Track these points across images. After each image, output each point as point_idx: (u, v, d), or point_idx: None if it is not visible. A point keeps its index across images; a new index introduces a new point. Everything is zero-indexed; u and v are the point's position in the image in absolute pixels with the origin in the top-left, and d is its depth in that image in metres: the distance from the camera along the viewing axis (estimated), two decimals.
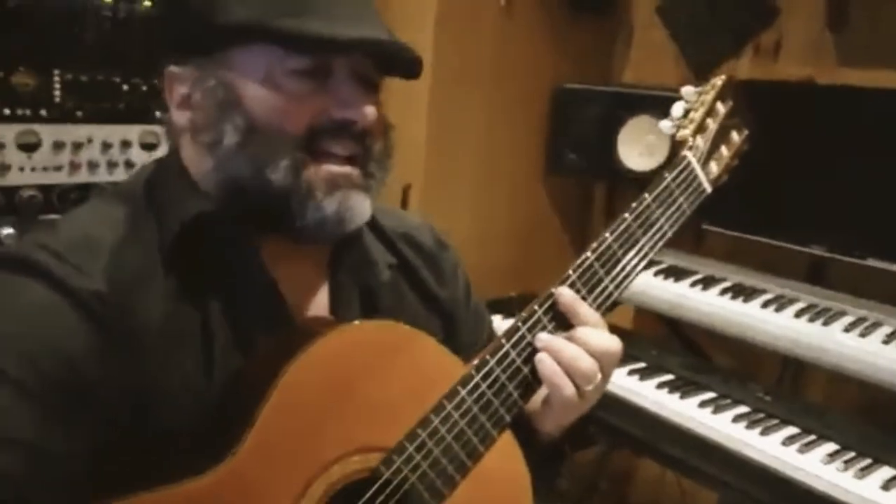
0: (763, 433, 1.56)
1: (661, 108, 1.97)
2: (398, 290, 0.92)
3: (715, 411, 1.64)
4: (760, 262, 1.92)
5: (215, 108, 0.75)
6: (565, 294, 0.81)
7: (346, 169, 0.77)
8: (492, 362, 0.78)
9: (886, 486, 1.39)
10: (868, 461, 1.47)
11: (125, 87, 1.37)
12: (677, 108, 1.00)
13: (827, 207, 1.79)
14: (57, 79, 1.29)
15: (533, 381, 0.80)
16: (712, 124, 0.98)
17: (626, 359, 1.87)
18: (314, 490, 0.70)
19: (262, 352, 0.76)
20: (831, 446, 1.52)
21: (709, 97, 0.99)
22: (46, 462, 0.63)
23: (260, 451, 0.67)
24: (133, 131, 1.42)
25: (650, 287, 1.94)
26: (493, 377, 0.78)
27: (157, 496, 0.64)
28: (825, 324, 1.68)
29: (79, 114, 1.35)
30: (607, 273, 0.85)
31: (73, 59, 1.31)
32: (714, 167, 0.97)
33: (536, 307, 0.81)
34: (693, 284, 1.92)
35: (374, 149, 0.79)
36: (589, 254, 0.85)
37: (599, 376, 0.80)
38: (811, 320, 1.70)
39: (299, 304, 0.83)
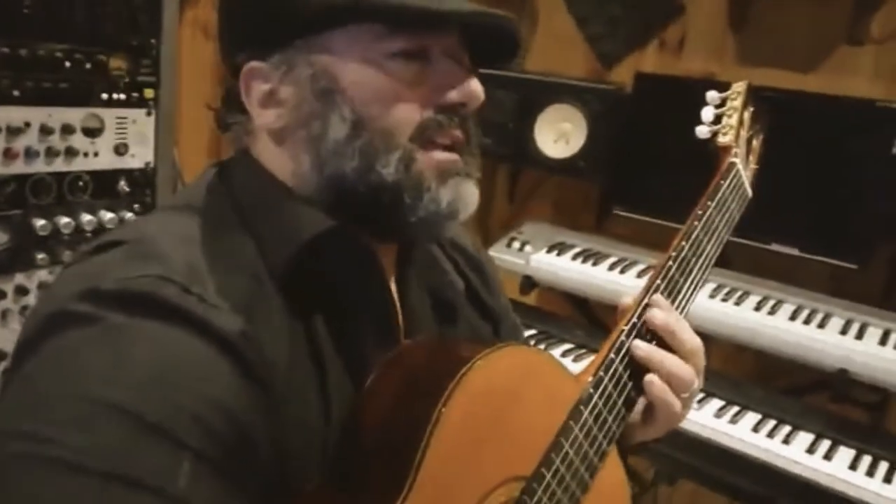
0: (696, 406, 1.70)
1: (577, 96, 2.07)
2: (465, 305, 0.89)
3: None
4: (666, 247, 2.06)
5: (314, 100, 0.68)
6: (658, 306, 0.82)
7: (453, 156, 0.71)
8: (605, 378, 0.78)
9: (811, 449, 1.57)
10: (787, 428, 1.65)
11: (67, 63, 1.18)
12: (707, 113, 1.04)
13: None
14: None
15: (636, 393, 0.81)
16: (743, 132, 1.04)
17: (560, 341, 1.97)
18: None
19: (389, 377, 0.70)
20: (754, 416, 1.69)
21: (737, 103, 1.04)
22: None
23: (428, 495, 0.63)
24: (75, 115, 1.23)
25: (566, 270, 2.02)
26: (606, 393, 0.78)
27: None
28: (736, 303, 1.85)
29: (16, 94, 1.15)
30: (685, 280, 0.88)
31: (9, 30, 1.11)
32: (748, 174, 1.03)
33: (635, 319, 0.82)
34: (611, 268, 2.02)
35: (473, 133, 0.74)
36: (671, 263, 0.87)
37: (696, 382, 0.82)
38: (724, 300, 1.86)
39: None
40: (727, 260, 2.03)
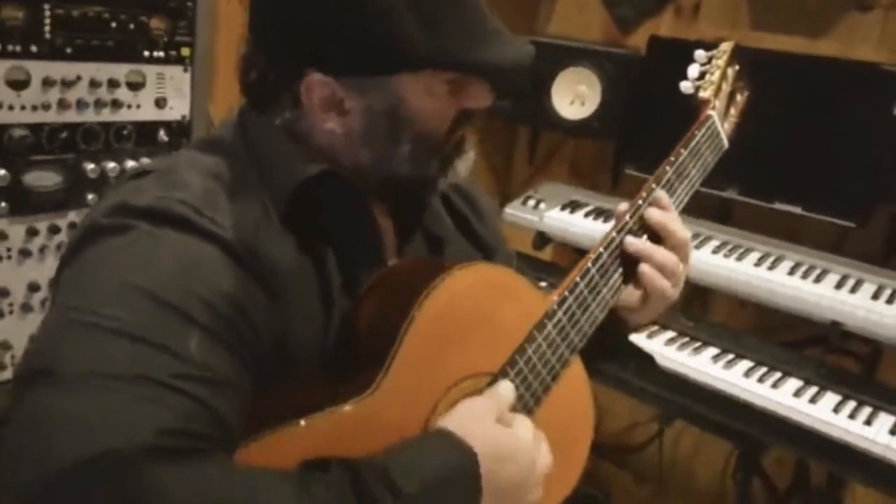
0: (692, 353, 1.80)
1: (592, 60, 2.15)
2: (455, 234, 1.01)
3: (649, 336, 1.86)
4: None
5: (384, 122, 0.81)
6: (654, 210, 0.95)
7: (469, 152, 0.88)
8: (570, 298, 0.90)
9: (797, 394, 1.67)
10: (778, 374, 1.74)
11: (113, 24, 1.33)
12: (693, 70, 1.13)
13: (739, 156, 2.01)
14: (47, 13, 1.23)
15: (623, 281, 0.93)
16: (725, 87, 1.12)
17: None
18: (440, 409, 0.79)
19: (378, 291, 0.83)
20: (747, 363, 1.79)
21: (721, 61, 1.13)
22: (239, 399, 0.68)
23: (402, 378, 0.76)
24: (120, 70, 1.38)
25: (576, 227, 2.12)
26: (570, 311, 0.89)
27: (318, 421, 0.71)
28: (738, 259, 1.93)
29: (68, 51, 1.29)
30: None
31: None
32: (727, 126, 1.12)
33: (628, 218, 0.94)
34: None
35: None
36: (640, 202, 0.97)
37: (681, 266, 0.94)
38: (726, 256, 1.95)
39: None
40: (732, 217, 2.12)
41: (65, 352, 0.63)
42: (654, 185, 0.98)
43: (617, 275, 0.93)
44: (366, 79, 0.79)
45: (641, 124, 2.16)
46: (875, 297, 1.76)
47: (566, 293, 0.90)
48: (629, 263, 0.93)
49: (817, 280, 1.83)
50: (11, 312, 1.38)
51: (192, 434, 0.61)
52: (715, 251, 1.96)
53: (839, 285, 1.80)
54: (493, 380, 0.83)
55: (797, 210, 1.92)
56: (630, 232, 0.94)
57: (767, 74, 1.96)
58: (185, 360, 0.64)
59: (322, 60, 0.78)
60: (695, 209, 2.09)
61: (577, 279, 0.90)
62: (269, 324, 0.75)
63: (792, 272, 1.86)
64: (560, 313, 0.89)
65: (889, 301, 1.74)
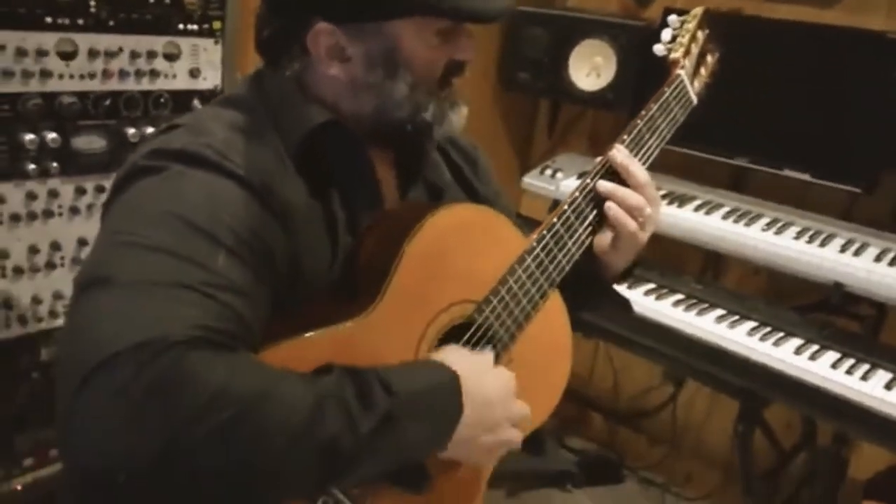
0: (699, 314, 1.88)
1: (608, 32, 2.22)
2: (453, 184, 1.12)
3: (658, 298, 1.95)
4: (689, 172, 2.21)
5: (382, 65, 0.90)
6: (617, 153, 1.04)
7: (457, 89, 0.96)
8: (548, 236, 0.99)
9: (798, 351, 1.74)
10: (781, 334, 1.81)
11: None
12: (666, 34, 1.22)
13: (750, 124, 2.08)
14: None
15: (597, 223, 1.02)
16: (695, 49, 1.21)
17: None
18: (430, 331, 0.90)
19: (376, 230, 0.94)
20: (752, 323, 1.86)
21: (691, 25, 1.21)
22: (258, 309, 0.79)
23: (396, 302, 0.86)
24: (158, 42, 1.51)
25: None
26: (548, 247, 0.99)
27: (322, 334, 0.83)
28: (747, 224, 2.00)
29: (111, 24, 1.43)
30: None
31: None
32: (697, 84, 1.20)
33: (599, 165, 1.03)
34: None
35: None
36: (597, 166, 1.06)
37: (648, 210, 1.03)
38: (735, 221, 2.02)
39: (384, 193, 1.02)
40: (746, 186, 2.18)
41: (114, 265, 0.74)
42: (625, 137, 1.07)
43: (591, 216, 1.02)
44: (365, 26, 0.88)
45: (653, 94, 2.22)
46: (878, 259, 1.81)
47: (545, 232, 0.99)
48: (601, 205, 1.03)
49: (822, 244, 1.88)
50: (63, 265, 1.52)
51: (222, 331, 0.72)
52: (725, 217, 2.03)
53: (843, 249, 1.86)
54: (478, 306, 0.94)
55: (806, 177, 1.97)
56: (600, 175, 1.03)
57: (777, 44, 2.02)
58: (214, 272, 0.75)
59: (325, 9, 0.88)
60: (708, 177, 2.18)
61: (555, 220, 1.00)
62: (284, 252, 0.86)
63: (798, 237, 1.92)
64: (538, 249, 0.99)
65: (891, 264, 1.79)
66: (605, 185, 1.03)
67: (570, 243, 1.01)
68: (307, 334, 0.83)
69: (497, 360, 0.96)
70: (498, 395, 0.89)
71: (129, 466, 0.65)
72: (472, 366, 0.87)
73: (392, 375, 0.79)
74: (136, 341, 0.66)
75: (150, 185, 0.82)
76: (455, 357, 0.87)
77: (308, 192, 0.91)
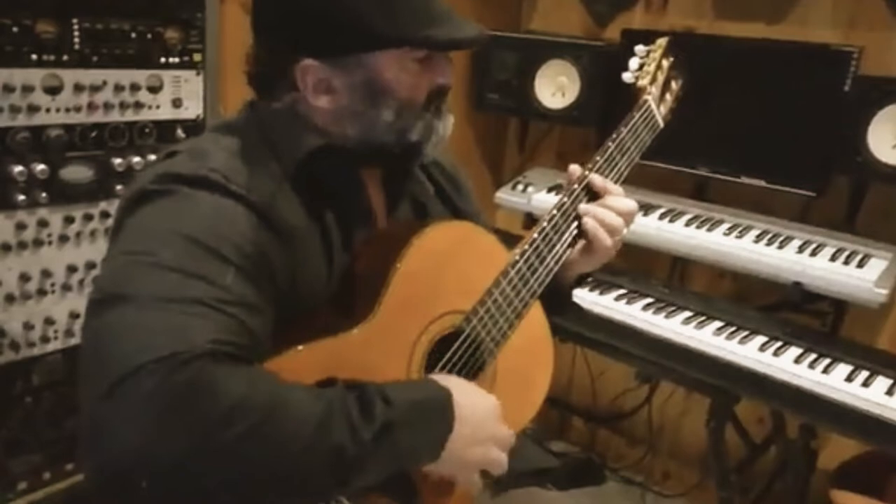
0: (667, 317, 1.97)
1: (570, 53, 2.32)
2: (435, 200, 1.18)
3: (628, 302, 2.03)
4: (654, 183, 2.31)
5: (365, 95, 0.96)
6: (596, 177, 1.12)
7: (447, 115, 1.03)
8: (530, 250, 1.07)
9: (762, 348, 1.83)
10: (746, 332, 1.90)
11: (133, 34, 1.51)
12: (633, 63, 1.31)
13: (708, 136, 2.18)
14: (76, 27, 1.42)
15: (575, 239, 1.10)
16: (661, 76, 1.30)
17: None
18: (422, 340, 0.97)
19: (369, 248, 1.00)
20: (718, 323, 1.95)
21: (657, 54, 1.30)
22: (267, 324, 0.85)
23: (389, 315, 0.93)
24: (141, 75, 1.57)
25: None
26: (530, 262, 1.06)
27: (317, 346, 0.88)
28: (709, 230, 2.10)
29: (95, 59, 1.48)
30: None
31: (89, 11, 1.44)
32: (663, 109, 1.29)
33: (576, 186, 1.11)
34: None
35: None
36: (586, 173, 1.14)
37: (625, 230, 1.12)
38: (698, 227, 2.11)
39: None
40: (707, 194, 2.28)
41: (130, 283, 0.79)
42: (598, 158, 1.15)
43: (568, 232, 1.10)
44: (347, 59, 0.95)
45: (618, 111, 2.31)
46: (833, 259, 1.92)
47: (527, 246, 1.07)
48: (578, 222, 1.11)
49: (781, 246, 1.99)
50: (53, 292, 1.56)
51: (236, 344, 0.77)
52: (688, 223, 2.13)
53: (801, 250, 1.96)
54: (466, 316, 1.01)
55: (761, 183, 2.08)
56: (578, 196, 1.11)
57: (730, 60, 2.13)
58: (225, 289, 0.81)
59: (309, 46, 0.95)
60: (671, 187, 2.28)
61: (535, 235, 1.08)
62: (284, 270, 0.92)
63: (758, 240, 2.02)
64: (521, 263, 1.06)
65: (846, 262, 1.90)
66: (585, 206, 1.11)
67: (549, 257, 1.08)
68: (306, 345, 0.88)
69: (484, 367, 1.03)
70: (486, 415, 0.96)
71: (154, 471, 0.70)
72: (463, 387, 0.94)
73: (390, 389, 0.85)
74: (161, 353, 0.71)
75: (159, 207, 0.88)
76: (449, 380, 0.94)
77: (305, 213, 0.97)
